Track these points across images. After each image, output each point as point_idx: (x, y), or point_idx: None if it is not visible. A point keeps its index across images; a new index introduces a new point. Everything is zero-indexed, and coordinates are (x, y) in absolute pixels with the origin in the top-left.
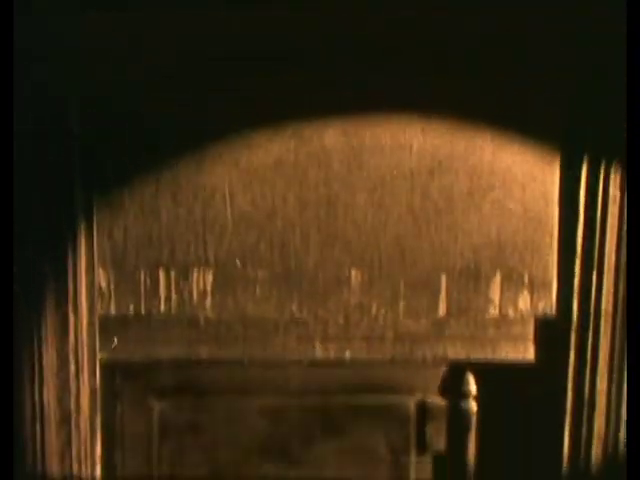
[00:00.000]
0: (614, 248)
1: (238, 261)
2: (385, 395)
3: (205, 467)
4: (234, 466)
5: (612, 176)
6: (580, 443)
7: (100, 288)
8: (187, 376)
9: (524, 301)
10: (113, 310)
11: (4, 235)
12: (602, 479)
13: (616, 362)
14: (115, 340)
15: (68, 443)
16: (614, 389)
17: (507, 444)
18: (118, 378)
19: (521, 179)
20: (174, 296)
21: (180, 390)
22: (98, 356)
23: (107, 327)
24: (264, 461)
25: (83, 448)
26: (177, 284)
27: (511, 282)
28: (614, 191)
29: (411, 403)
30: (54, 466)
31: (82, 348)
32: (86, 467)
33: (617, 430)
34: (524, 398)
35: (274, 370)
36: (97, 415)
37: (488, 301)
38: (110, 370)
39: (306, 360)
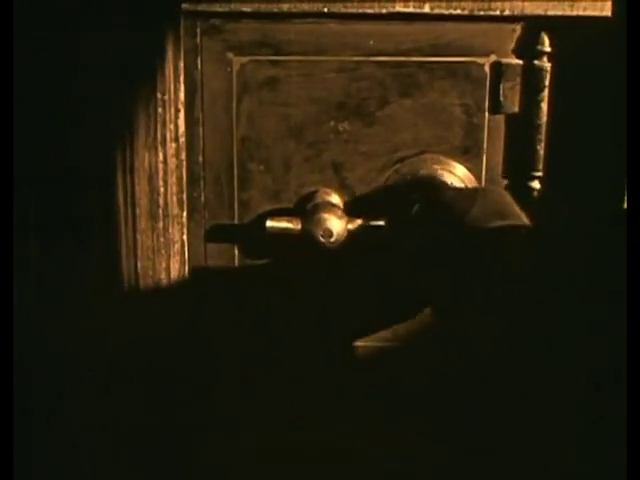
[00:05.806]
0: None
1: None
2: (461, 56)
3: (283, 123)
4: (311, 122)
5: None
6: None
7: None
8: (266, 32)
9: None
10: None
11: None
12: None
13: None
14: None
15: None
16: None
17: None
18: (199, 34)
19: None
20: None
21: (259, 46)
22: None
23: None
24: (340, 120)
25: (167, 97)
26: None
27: None
28: None
29: (486, 64)
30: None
31: None
32: (170, 114)
33: None
34: (599, 56)
35: (352, 26)
36: (180, 71)
37: None
38: (191, 25)
39: (385, 13)
